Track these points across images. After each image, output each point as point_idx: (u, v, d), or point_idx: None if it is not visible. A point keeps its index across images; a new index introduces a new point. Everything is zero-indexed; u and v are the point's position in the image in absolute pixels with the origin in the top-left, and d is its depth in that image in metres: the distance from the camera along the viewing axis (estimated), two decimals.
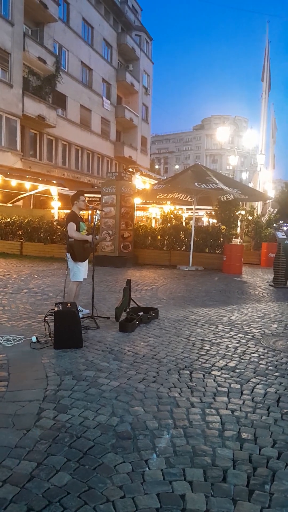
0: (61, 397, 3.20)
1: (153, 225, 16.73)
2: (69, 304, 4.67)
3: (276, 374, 3.91)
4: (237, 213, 14.44)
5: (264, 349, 4.72)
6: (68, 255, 5.74)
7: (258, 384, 3.64)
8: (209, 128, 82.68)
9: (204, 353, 4.45)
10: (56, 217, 16.60)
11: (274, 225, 17.92)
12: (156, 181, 16.27)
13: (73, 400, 3.16)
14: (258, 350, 4.68)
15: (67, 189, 17.29)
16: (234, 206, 13.80)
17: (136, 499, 2.07)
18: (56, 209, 17.16)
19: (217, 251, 13.58)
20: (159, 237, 13.98)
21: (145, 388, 3.43)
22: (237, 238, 15.65)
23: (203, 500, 2.09)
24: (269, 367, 4.09)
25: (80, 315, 5.08)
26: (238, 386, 3.57)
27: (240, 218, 15.65)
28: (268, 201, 17.62)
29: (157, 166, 70.26)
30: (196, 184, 11.40)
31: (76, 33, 25.85)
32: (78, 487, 2.15)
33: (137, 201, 14.56)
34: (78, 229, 5.69)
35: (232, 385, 3.57)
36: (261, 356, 4.45)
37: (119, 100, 33.44)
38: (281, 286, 9.88)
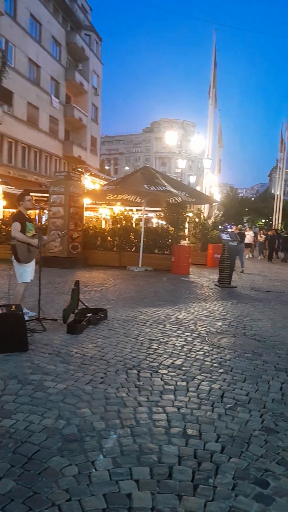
0: (5, 402, 3.09)
1: (103, 226, 16.65)
2: (13, 307, 4.52)
3: (220, 370, 4.05)
4: (185, 215, 14.77)
5: (209, 347, 4.87)
6: (13, 256, 5.56)
7: (203, 381, 3.74)
8: (158, 131, 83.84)
9: (152, 352, 4.51)
10: (0, 216, 16.01)
11: (220, 227, 18.54)
12: (106, 182, 16.23)
13: (18, 404, 3.07)
14: (204, 347, 4.82)
15: (13, 187, 16.73)
16: (182, 209, 14.11)
17: (82, 501, 2.06)
18: (1, 208, 16.55)
19: (166, 252, 13.80)
20: (109, 238, 13.94)
21: (93, 390, 3.41)
22: (185, 240, 16.01)
23: (149, 497, 2.11)
24: (213, 364, 4.23)
25: (26, 318, 4.94)
26: (184, 383, 3.65)
27: (187, 220, 16.03)
28: (214, 204, 18.17)
29: (107, 167, 70.05)
30: (145, 186, 11.52)
31: (23, 29, 25.11)
32: (22, 493, 2.09)
33: (86, 201, 14.41)
34: (24, 229, 5.53)
35: (178, 383, 3.65)
36: (206, 354, 4.58)
37: (68, 99, 32.93)
38: (226, 285, 10.24)
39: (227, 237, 10.55)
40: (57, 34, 30.03)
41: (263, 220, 70.50)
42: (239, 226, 22.03)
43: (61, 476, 2.24)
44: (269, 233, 21.16)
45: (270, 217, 57.40)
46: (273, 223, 38.55)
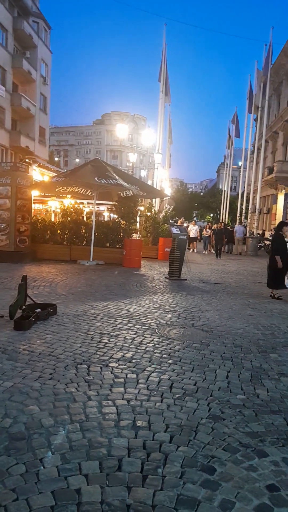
0: None
1: (53, 219, 16.27)
2: None
3: (170, 361, 4.12)
4: (136, 209, 14.81)
5: (159, 338, 4.94)
6: None
7: (153, 372, 3.79)
8: (109, 123, 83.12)
9: (102, 346, 4.49)
10: None
11: (170, 221, 18.80)
12: (55, 174, 15.84)
13: None
14: (154, 339, 4.88)
15: None
16: (133, 202, 14.14)
17: (30, 499, 2.01)
18: None
19: (117, 246, 13.77)
20: (59, 231, 13.66)
21: (41, 386, 3.34)
22: (136, 233, 16.07)
23: (98, 491, 2.11)
24: (163, 355, 4.30)
25: None
26: (134, 376, 3.68)
27: (139, 214, 16.09)
28: (164, 198, 18.39)
29: (56, 159, 68.40)
30: (96, 179, 11.39)
31: None
32: None
33: (35, 193, 13.99)
34: None
35: (128, 375, 3.67)
36: (156, 345, 4.65)
37: (15, 88, 31.64)
38: (176, 278, 10.43)
39: (177, 231, 10.72)
40: (3, 20, 28.69)
41: (212, 215, 72.51)
42: (181, 219, 22.56)
43: (7, 476, 2.18)
44: (215, 226, 21.23)
45: (218, 212, 59.21)
46: (221, 217, 39.76)
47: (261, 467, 2.38)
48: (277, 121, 33.98)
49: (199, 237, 22.97)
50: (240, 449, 2.57)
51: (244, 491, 2.15)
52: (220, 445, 2.60)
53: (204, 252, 22.08)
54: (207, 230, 22.46)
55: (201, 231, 23.59)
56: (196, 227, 23.05)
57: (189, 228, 21.94)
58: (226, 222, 27.18)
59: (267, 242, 22.80)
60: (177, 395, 3.32)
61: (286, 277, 8.13)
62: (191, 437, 2.69)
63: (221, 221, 30.87)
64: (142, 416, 2.93)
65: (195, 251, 22.14)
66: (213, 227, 21.63)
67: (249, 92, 29.51)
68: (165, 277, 10.65)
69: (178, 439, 2.65)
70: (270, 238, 23.44)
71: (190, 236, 21.27)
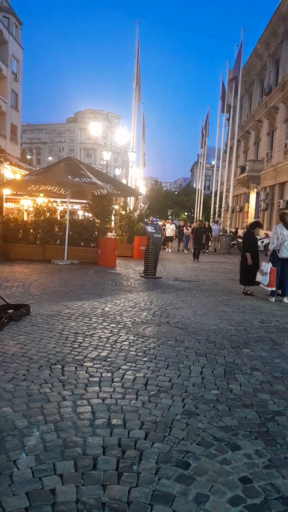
0: None
1: (25, 218, 16.00)
2: None
3: (145, 359, 4.14)
4: (111, 208, 14.76)
5: (134, 337, 4.95)
6: None
7: (128, 370, 3.80)
8: (82, 121, 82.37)
9: (77, 346, 4.46)
10: None
11: (145, 219, 18.84)
12: (28, 172, 15.58)
13: None
14: (129, 338, 4.89)
15: None
16: (108, 201, 14.08)
17: (3, 502, 1.98)
18: None
19: (92, 245, 13.68)
20: (31, 230, 13.45)
21: (14, 388, 3.29)
22: (111, 232, 16.02)
23: (73, 491, 2.10)
24: (138, 353, 4.31)
25: None
26: (109, 374, 3.67)
27: (114, 212, 16.05)
28: (139, 197, 18.41)
29: (28, 156, 67.20)
30: (69, 177, 11.27)
31: None
32: None
33: (6, 192, 13.72)
34: None
35: (103, 374, 3.66)
36: (131, 344, 4.65)
37: None
38: (151, 276, 10.47)
39: (152, 229, 10.76)
40: None
41: (186, 213, 73.14)
42: (150, 218, 22.37)
43: None
44: (194, 225, 19.35)
45: (192, 210, 59.78)
46: (195, 216, 40.13)
47: (234, 460, 2.43)
48: (249, 120, 34.62)
49: (175, 236, 22.22)
50: (214, 443, 2.61)
51: (218, 484, 2.19)
52: (194, 440, 2.64)
53: (185, 251, 20.79)
54: (188, 228, 20.87)
55: (179, 230, 22.27)
56: (173, 226, 22.48)
57: (165, 227, 21.54)
58: (201, 220, 26.96)
59: (240, 240, 23.22)
60: (152, 392, 3.34)
61: (258, 274, 8.30)
62: (166, 433, 2.71)
63: (198, 219, 30.75)
64: (117, 414, 2.93)
65: (169, 250, 21.23)
66: (192, 226, 19.79)
67: (222, 92, 29.90)
68: (140, 276, 10.68)
69: (153, 436, 2.67)
70: (243, 236, 23.93)
71: (166, 235, 20.84)
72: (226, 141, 34.94)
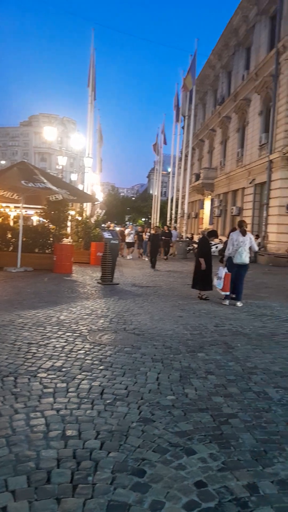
0: None
1: None
2: None
3: (101, 367, 4.10)
4: (66, 214, 14.57)
5: (90, 345, 4.88)
6: None
7: (83, 380, 3.74)
8: (37, 125, 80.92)
9: (30, 357, 4.34)
10: None
11: (102, 225, 18.75)
12: None
13: None
14: (85, 346, 4.82)
15: None
16: (63, 206, 13.88)
17: None
18: None
19: (47, 251, 13.40)
20: None
21: None
22: (67, 238, 15.79)
23: (26, 506, 2.03)
24: (94, 362, 4.26)
25: None
26: (64, 384, 3.60)
27: (70, 218, 15.84)
28: (96, 202, 18.31)
29: None
30: (23, 182, 11.00)
31: None
32: None
33: None
34: None
35: (58, 385, 3.58)
36: (87, 352, 4.59)
37: None
38: (108, 283, 10.41)
39: (109, 235, 10.72)
40: None
41: (143, 219, 73.71)
42: (107, 223, 21.92)
43: None
44: (153, 231, 16.97)
45: (149, 216, 60.34)
46: (152, 222, 40.51)
47: (189, 465, 2.45)
48: (203, 129, 35.58)
49: (136, 242, 21.09)
50: (169, 449, 2.62)
51: (173, 490, 2.20)
52: (150, 447, 2.64)
53: (144, 258, 19.29)
54: (147, 234, 19.56)
55: (138, 235, 21.03)
56: (134, 231, 21.34)
57: (126, 232, 20.69)
58: (158, 225, 26.77)
59: (195, 246, 23.69)
60: (108, 401, 3.31)
61: (214, 278, 8.49)
62: (121, 441, 2.69)
63: (155, 225, 30.49)
64: (72, 425, 2.87)
65: (131, 257, 20.08)
66: (151, 232, 17.22)
67: (176, 101, 30.54)
68: (98, 282, 10.59)
69: (109, 445, 2.64)
70: (198, 242, 24.38)
71: (127, 241, 20.02)
72: (181, 148, 35.65)
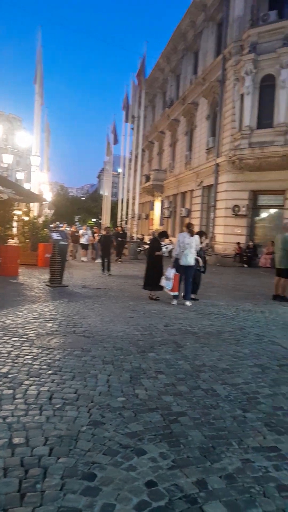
0: None
1: None
2: None
3: (49, 372, 4.00)
4: (12, 214, 14.10)
5: (38, 349, 4.76)
6: None
7: (31, 385, 3.63)
8: None
9: None
10: None
11: (50, 226, 18.33)
12: None
13: None
14: (32, 351, 4.69)
15: None
16: (8, 206, 13.42)
17: None
18: None
19: None
20: None
21: None
22: (13, 239, 15.28)
23: None
24: (42, 367, 4.15)
25: None
26: (11, 391, 3.47)
27: (16, 218, 15.35)
28: (44, 202, 17.87)
29: None
30: None
31: None
32: None
33: None
34: None
35: (4, 392, 3.45)
36: (35, 357, 4.46)
37: None
38: (57, 285, 10.20)
39: (58, 236, 10.52)
40: None
41: (94, 219, 73.11)
42: (55, 224, 20.90)
43: None
44: (104, 232, 15.76)
45: (100, 217, 59.93)
46: (103, 222, 40.26)
47: (140, 465, 2.47)
48: (153, 131, 35.98)
49: (91, 244, 19.74)
50: (120, 451, 2.62)
51: (124, 492, 2.20)
52: (100, 450, 2.62)
53: (96, 261, 17.95)
54: (98, 235, 18.58)
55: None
56: (89, 232, 19.80)
57: (80, 233, 19.44)
58: (109, 226, 26.02)
59: (146, 246, 23.88)
60: (57, 406, 3.24)
61: (162, 278, 8.59)
62: (71, 446, 2.65)
63: (107, 225, 29.31)
64: (19, 433, 2.78)
65: (86, 259, 19.01)
66: (102, 233, 16.30)
67: (126, 102, 30.61)
68: (46, 285, 10.34)
69: (58, 451, 2.59)
70: (149, 242, 24.59)
71: (81, 242, 18.96)
72: (131, 150, 35.82)
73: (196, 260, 8.71)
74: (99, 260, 16.79)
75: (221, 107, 20.86)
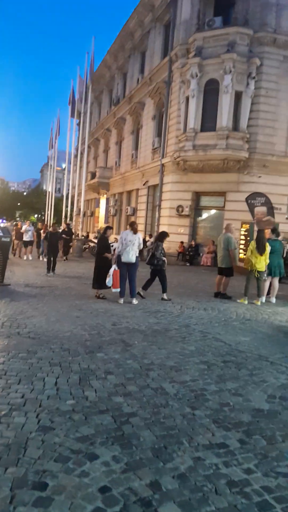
0: None
1: None
2: None
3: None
4: None
5: None
6: None
7: None
8: None
9: None
10: None
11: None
12: None
13: None
14: None
15: None
16: None
17: None
18: None
19: None
20: None
21: None
22: None
23: None
24: None
25: None
26: None
27: None
28: None
29: None
30: None
31: None
32: None
33: None
34: None
35: None
36: None
37: None
38: None
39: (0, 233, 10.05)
40: None
41: (36, 215, 71.06)
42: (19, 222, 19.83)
43: None
44: (51, 229, 14.54)
45: (43, 213, 58.34)
46: (45, 219, 39.28)
47: (93, 470, 2.42)
48: (98, 128, 35.65)
49: (35, 240, 18.60)
50: (71, 456, 2.55)
51: (77, 500, 2.15)
52: (51, 457, 2.53)
53: (41, 258, 17.44)
54: (43, 233, 17.60)
55: (37, 233, 18.81)
56: (32, 228, 18.56)
57: (23, 229, 18.03)
58: (55, 222, 24.33)
59: (92, 244, 23.65)
60: (2, 412, 3.09)
61: (107, 276, 8.51)
62: (20, 455, 2.53)
63: (53, 222, 27.63)
64: None
65: (30, 257, 17.76)
66: (49, 230, 14.99)
67: (72, 97, 30.03)
68: None
69: (6, 460, 2.47)
70: (94, 240, 24.33)
71: (25, 239, 17.69)
72: (76, 145, 35.23)
73: (163, 261, 9.04)
74: (44, 259, 16.06)
75: (167, 108, 21.15)
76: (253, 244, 9.18)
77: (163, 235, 9.67)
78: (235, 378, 4.17)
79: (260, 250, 9.02)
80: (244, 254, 13.59)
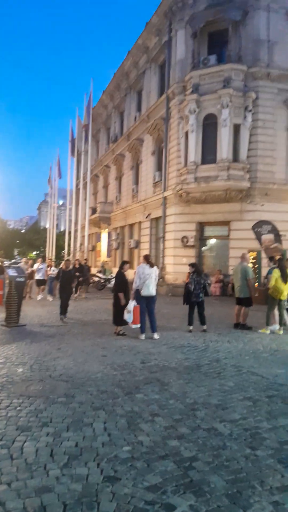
0: None
1: None
2: None
3: (39, 424, 3.70)
4: None
5: (18, 399, 4.40)
6: None
7: (25, 441, 3.33)
8: None
9: None
10: None
11: (5, 262, 17.46)
12: None
13: None
14: (13, 401, 4.33)
15: None
16: None
17: None
18: None
19: None
20: None
21: None
22: None
23: None
24: (30, 418, 3.83)
25: None
26: (5, 450, 3.15)
27: None
28: None
29: None
30: None
31: None
32: None
33: None
34: None
35: None
36: (18, 408, 4.12)
37: None
38: (14, 325, 9.66)
39: (14, 272, 10.05)
40: None
41: (35, 252, 71.22)
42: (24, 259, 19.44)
43: None
44: (63, 266, 12.06)
45: (42, 249, 58.53)
46: (47, 255, 39.34)
47: None
48: (97, 165, 36.42)
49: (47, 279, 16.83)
50: (147, 508, 2.45)
51: None
52: (127, 510, 2.42)
53: (49, 298, 16.29)
54: (53, 269, 16.71)
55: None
56: (44, 266, 16.96)
57: (34, 268, 16.89)
58: (68, 259, 22.45)
59: (95, 279, 23.61)
60: (61, 463, 2.98)
61: (125, 312, 8.44)
62: (94, 509, 2.43)
63: (67, 258, 24.80)
64: (31, 500, 2.50)
65: (41, 297, 16.58)
66: (61, 267, 12.31)
67: (71, 136, 30.87)
68: (1, 325, 9.75)
69: None
70: (98, 275, 24.28)
71: (37, 278, 16.42)
72: (76, 182, 35.87)
73: (205, 290, 9.48)
74: (50, 298, 15.87)
75: (166, 143, 21.71)
76: (277, 272, 9.06)
77: (196, 267, 9.73)
78: (285, 414, 4.07)
79: (285, 278, 8.98)
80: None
